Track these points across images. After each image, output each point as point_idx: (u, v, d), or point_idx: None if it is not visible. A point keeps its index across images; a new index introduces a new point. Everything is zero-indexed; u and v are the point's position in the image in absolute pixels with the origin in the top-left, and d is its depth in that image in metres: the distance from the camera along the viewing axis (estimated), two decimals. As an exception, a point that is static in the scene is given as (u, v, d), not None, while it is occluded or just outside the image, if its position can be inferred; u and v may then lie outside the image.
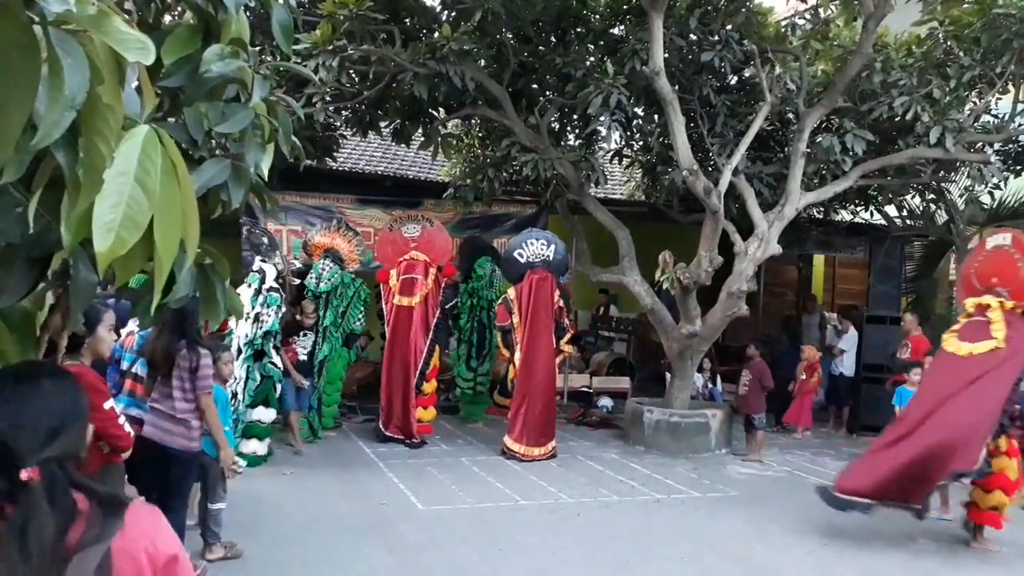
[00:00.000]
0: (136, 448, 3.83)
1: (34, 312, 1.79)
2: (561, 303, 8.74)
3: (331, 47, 7.76)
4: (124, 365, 5.05)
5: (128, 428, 3.69)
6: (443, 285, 9.02)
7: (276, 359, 7.19)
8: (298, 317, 8.21)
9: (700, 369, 10.21)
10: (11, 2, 0.86)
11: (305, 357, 8.14)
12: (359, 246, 9.62)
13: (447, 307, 9.14)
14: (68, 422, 1.34)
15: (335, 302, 8.75)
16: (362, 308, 9.05)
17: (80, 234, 1.02)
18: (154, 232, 1.03)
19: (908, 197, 11.98)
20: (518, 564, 5.21)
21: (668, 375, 9.86)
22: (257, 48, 2.02)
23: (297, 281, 8.50)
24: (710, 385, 10.84)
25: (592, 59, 9.25)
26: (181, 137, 1.54)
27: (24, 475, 1.23)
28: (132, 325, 5.26)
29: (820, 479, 8.01)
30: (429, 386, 8.96)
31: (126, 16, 1.13)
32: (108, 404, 3.55)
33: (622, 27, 9.63)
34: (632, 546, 5.69)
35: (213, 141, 1.73)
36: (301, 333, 8.18)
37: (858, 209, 12.51)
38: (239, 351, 7.26)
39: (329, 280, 8.65)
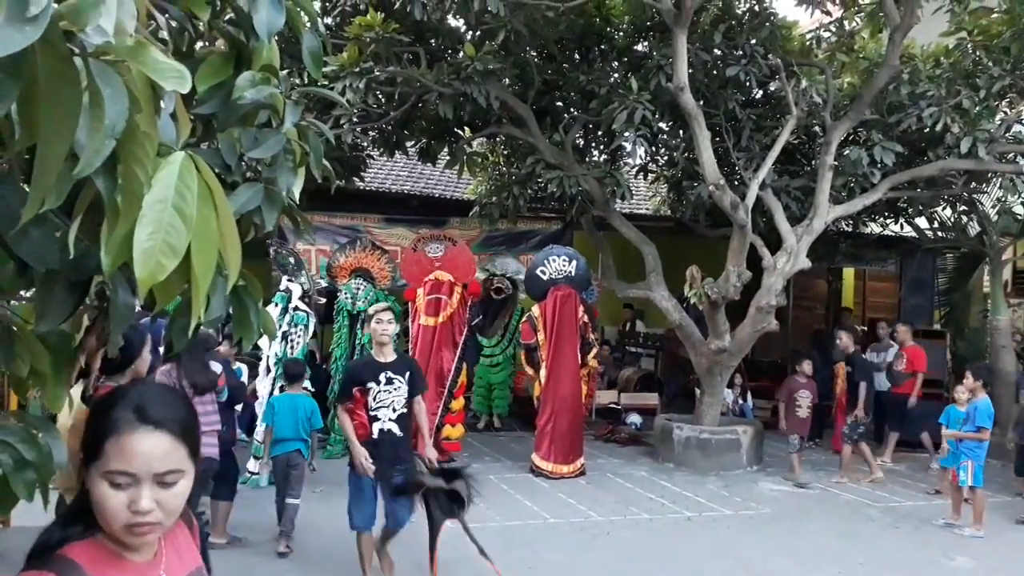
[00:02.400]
0: None
1: (71, 335, 1.83)
2: (586, 318, 8.72)
3: (357, 69, 7.86)
4: None
5: None
6: (468, 303, 9.05)
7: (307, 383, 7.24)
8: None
9: (730, 385, 10.10)
10: (53, 36, 0.89)
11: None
12: (388, 263, 9.68)
13: (473, 324, 9.16)
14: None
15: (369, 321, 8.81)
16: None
17: (120, 259, 1.05)
18: (191, 257, 1.05)
19: (939, 209, 11.82)
20: (548, 583, 5.18)
21: (697, 391, 9.77)
22: (285, 71, 2.06)
23: (323, 300, 8.57)
24: (740, 401, 10.73)
25: (616, 76, 9.27)
26: (215, 162, 1.57)
27: None
28: None
29: (854, 496, 7.89)
30: (457, 403, 8.98)
31: (162, 46, 1.17)
32: None
33: (645, 43, 9.66)
34: (664, 565, 5.63)
35: (244, 165, 1.77)
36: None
37: (888, 221, 12.35)
38: (268, 369, 7.34)
39: (365, 299, 8.73)
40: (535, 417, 8.95)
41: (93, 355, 2.12)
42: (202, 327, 1.69)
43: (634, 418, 10.98)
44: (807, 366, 8.70)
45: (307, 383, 7.19)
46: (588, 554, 5.79)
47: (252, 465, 7.42)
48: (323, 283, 9.22)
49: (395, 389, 4.82)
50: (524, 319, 8.88)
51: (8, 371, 1.60)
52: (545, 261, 8.65)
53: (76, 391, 3.42)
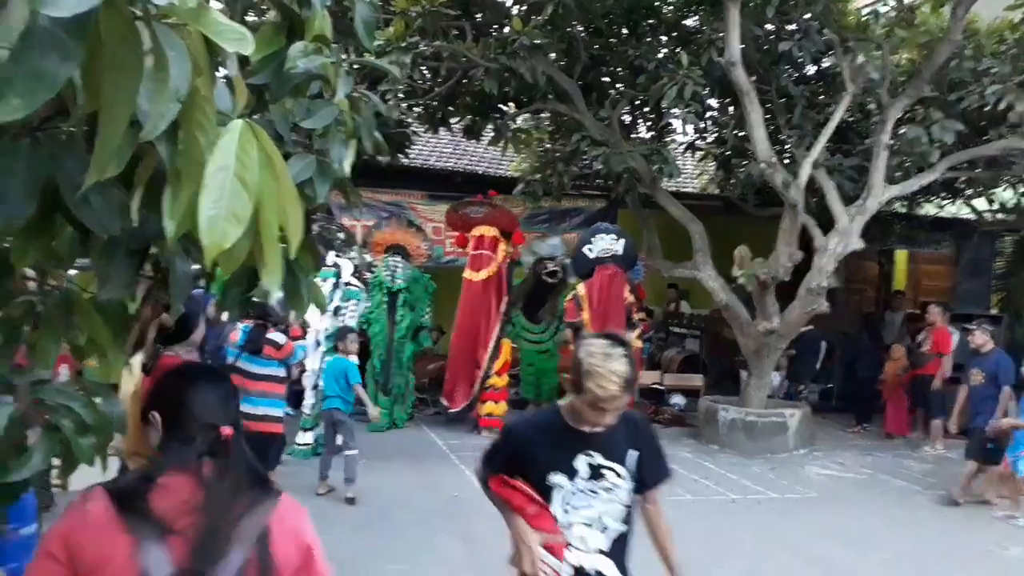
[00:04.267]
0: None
1: (127, 305, 1.85)
2: (631, 298, 8.63)
3: (403, 44, 7.84)
4: (229, 360, 5.22)
5: None
6: (510, 262, 9.00)
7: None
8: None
9: (777, 367, 9.94)
10: None
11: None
12: (424, 241, 9.73)
13: (512, 298, 9.12)
14: (235, 400, 1.76)
15: (406, 296, 8.89)
16: (429, 302, 9.17)
17: (184, 226, 1.05)
18: (258, 225, 1.05)
19: (999, 190, 11.41)
20: (589, 561, 5.17)
21: (743, 373, 9.63)
22: (336, 45, 2.05)
23: (371, 275, 8.65)
24: (786, 383, 10.57)
25: (665, 50, 9.11)
26: (268, 133, 1.57)
27: (225, 431, 1.60)
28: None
29: (903, 482, 7.74)
30: (500, 380, 9.00)
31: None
32: None
33: (696, 17, 9.44)
34: (708, 547, 5.58)
35: (295, 137, 1.76)
36: None
37: (944, 203, 11.98)
38: (317, 343, 7.45)
39: (403, 277, 8.80)
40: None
41: (148, 325, 2.15)
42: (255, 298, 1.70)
43: (677, 399, 10.89)
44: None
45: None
46: (630, 533, 5.77)
47: (300, 437, 7.55)
48: (368, 258, 9.31)
49: (607, 490, 2.45)
50: (569, 297, 8.82)
51: (67, 340, 1.63)
52: (592, 239, 8.58)
53: (136, 361, 3.50)
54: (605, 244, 8.50)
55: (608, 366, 2.25)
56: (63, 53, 0.83)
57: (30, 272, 1.60)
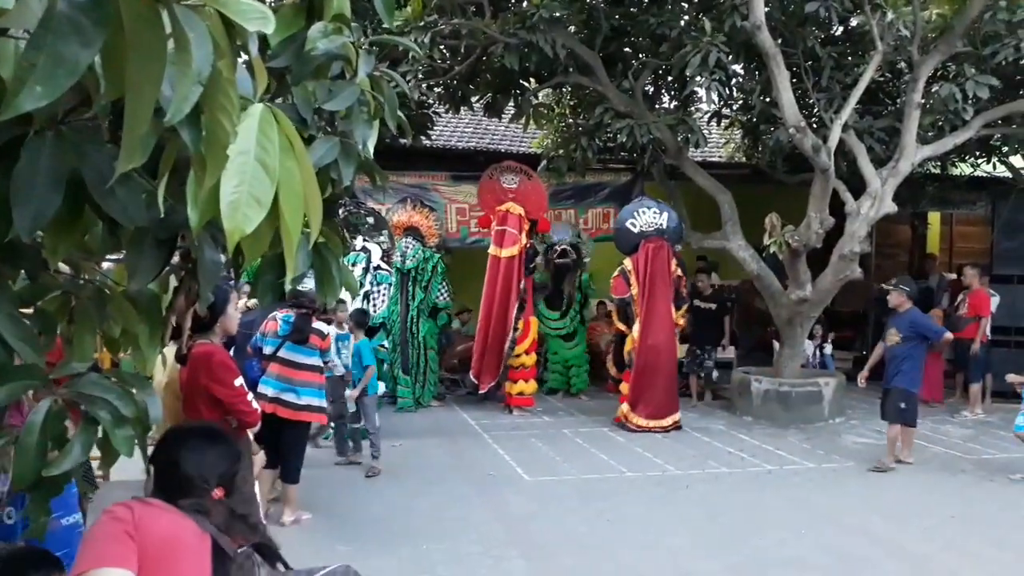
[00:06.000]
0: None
1: (160, 296, 1.86)
2: (679, 272, 8.50)
3: (421, 23, 7.78)
4: (267, 350, 5.23)
5: (256, 405, 3.83)
6: (527, 246, 8.96)
7: (386, 342, 7.39)
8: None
9: (810, 336, 9.82)
10: (135, -20, 0.86)
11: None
12: (436, 222, 9.74)
13: (530, 267, 9.08)
14: (233, 466, 1.83)
15: (415, 276, 8.94)
16: (441, 281, 9.21)
17: (208, 213, 1.03)
18: (279, 210, 1.03)
19: (1036, 146, 11.09)
20: (628, 535, 5.18)
21: (775, 344, 9.52)
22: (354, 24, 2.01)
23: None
24: (820, 352, 10.43)
25: (687, 17, 8.93)
26: (291, 116, 1.55)
27: (216, 493, 1.68)
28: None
29: (943, 448, 7.63)
30: (529, 359, 9.00)
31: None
32: (238, 381, 3.69)
33: (717, -18, 9.24)
34: (744, 517, 5.56)
35: (319, 119, 1.74)
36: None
37: (979, 162, 11.67)
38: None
39: (413, 257, 8.83)
40: (611, 371, 8.84)
41: (183, 315, 2.16)
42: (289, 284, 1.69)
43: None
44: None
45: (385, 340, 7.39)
46: (667, 508, 5.76)
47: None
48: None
49: None
50: (616, 273, 8.69)
51: (101, 332, 1.64)
52: (635, 213, 8.48)
53: (170, 351, 3.53)
54: (648, 218, 8.39)
55: None
56: (83, 38, 0.81)
57: (64, 267, 1.60)
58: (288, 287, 1.33)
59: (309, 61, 1.61)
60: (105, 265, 1.77)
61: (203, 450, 1.77)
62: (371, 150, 1.81)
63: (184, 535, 1.57)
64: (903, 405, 6.84)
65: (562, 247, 9.68)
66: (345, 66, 1.71)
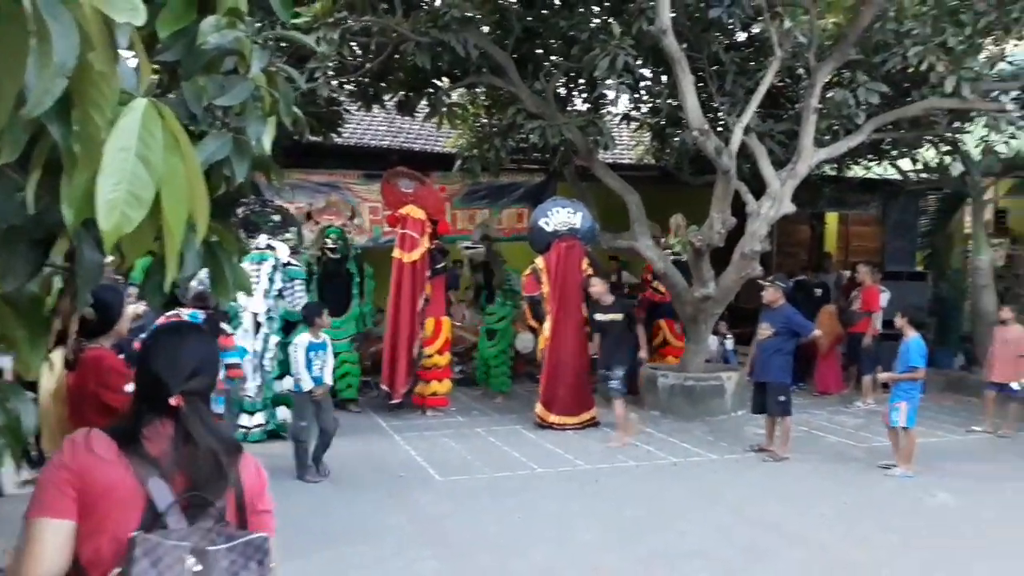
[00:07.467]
0: None
1: (43, 297, 1.77)
2: (590, 271, 8.62)
3: (331, 19, 7.66)
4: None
5: None
6: (432, 248, 8.92)
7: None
8: None
9: (715, 332, 10.15)
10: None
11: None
12: (354, 219, 9.70)
13: (438, 268, 9.06)
14: (204, 367, 1.73)
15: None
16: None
17: (82, 213, 0.99)
18: (162, 209, 1.00)
19: (922, 150, 11.79)
20: (538, 531, 5.24)
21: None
22: (257, 24, 1.96)
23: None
24: (723, 347, 10.80)
25: (597, 21, 9.08)
26: (180, 112, 1.49)
27: (172, 401, 1.63)
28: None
29: (838, 438, 8.02)
30: (443, 359, 8.96)
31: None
32: (129, 387, 3.54)
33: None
34: (650, 510, 5.71)
35: (211, 115, 1.69)
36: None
37: (871, 164, 12.32)
38: (257, 325, 7.35)
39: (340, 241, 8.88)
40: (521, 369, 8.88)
41: (68, 318, 2.06)
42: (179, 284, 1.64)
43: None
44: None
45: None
46: (577, 503, 5.86)
47: (247, 420, 7.40)
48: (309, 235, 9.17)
49: None
50: (528, 271, 8.75)
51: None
52: (549, 212, 8.55)
53: (58, 356, 3.35)
54: (562, 217, 8.48)
55: None
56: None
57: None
58: (167, 288, 1.29)
59: (200, 55, 1.57)
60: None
61: (167, 351, 1.71)
62: (267, 146, 1.77)
63: (119, 488, 1.56)
64: (782, 398, 7.11)
65: (473, 247, 9.76)
66: (239, 61, 1.67)
